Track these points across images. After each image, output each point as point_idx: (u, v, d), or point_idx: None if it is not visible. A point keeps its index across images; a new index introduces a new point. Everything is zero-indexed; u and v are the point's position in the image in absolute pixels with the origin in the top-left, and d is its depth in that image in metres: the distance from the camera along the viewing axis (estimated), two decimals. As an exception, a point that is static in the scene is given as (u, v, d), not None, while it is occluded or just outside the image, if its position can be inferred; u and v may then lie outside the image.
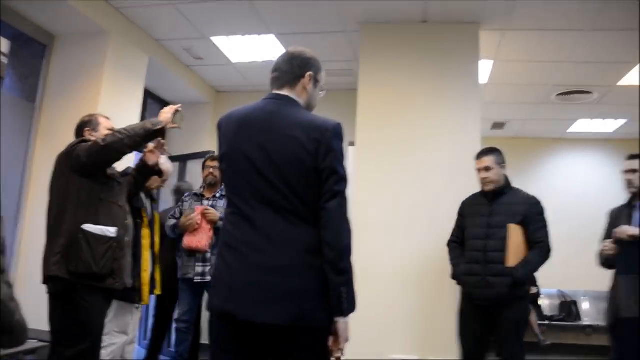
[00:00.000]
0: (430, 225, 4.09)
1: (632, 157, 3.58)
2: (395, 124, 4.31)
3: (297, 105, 2.03)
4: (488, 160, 3.63)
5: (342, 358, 1.93)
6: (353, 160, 4.35)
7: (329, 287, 1.84)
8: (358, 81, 4.47)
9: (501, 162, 3.65)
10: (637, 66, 5.47)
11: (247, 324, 1.84)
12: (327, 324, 1.86)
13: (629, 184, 3.46)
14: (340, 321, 1.86)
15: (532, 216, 3.50)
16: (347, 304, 1.85)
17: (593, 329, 7.61)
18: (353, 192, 4.21)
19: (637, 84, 5.94)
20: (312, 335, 1.86)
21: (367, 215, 4.13)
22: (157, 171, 3.46)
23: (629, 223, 3.37)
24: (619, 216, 3.50)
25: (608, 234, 3.55)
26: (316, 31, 5.00)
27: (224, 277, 1.92)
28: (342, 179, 1.93)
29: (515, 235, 3.46)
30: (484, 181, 3.64)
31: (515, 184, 8.35)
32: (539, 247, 3.43)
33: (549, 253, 3.50)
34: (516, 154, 8.44)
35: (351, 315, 1.86)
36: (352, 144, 4.53)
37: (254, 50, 5.51)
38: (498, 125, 7.78)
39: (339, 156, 1.94)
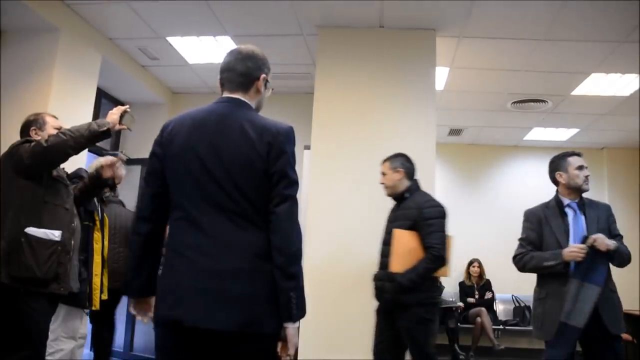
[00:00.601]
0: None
1: (578, 153, 3.57)
2: (351, 128, 4.30)
3: (249, 108, 2.00)
4: (383, 166, 3.65)
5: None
6: (309, 164, 4.33)
7: (278, 293, 1.81)
8: (314, 85, 4.45)
9: (397, 167, 3.61)
10: (590, 76, 5.60)
11: (193, 330, 1.79)
12: (276, 330, 1.83)
13: (587, 180, 3.44)
14: (290, 327, 1.83)
15: (421, 221, 3.45)
16: (296, 310, 1.82)
17: (546, 333, 7.72)
18: (309, 196, 4.19)
19: (590, 94, 6.09)
20: (261, 341, 1.83)
21: (322, 219, 4.11)
22: (111, 183, 3.40)
23: (565, 224, 3.35)
24: (549, 216, 3.46)
25: (539, 235, 3.44)
26: (273, 33, 4.96)
27: (170, 283, 1.87)
28: (293, 183, 1.90)
29: (401, 241, 3.43)
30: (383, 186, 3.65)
31: (471, 190, 8.54)
32: (428, 253, 3.41)
33: (440, 259, 3.41)
34: (473, 161, 8.58)
35: (307, 319, 1.83)
36: (308, 147, 4.51)
37: (210, 51, 5.44)
38: (455, 132, 7.87)
39: (291, 160, 1.92)
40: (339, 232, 4.12)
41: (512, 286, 8.04)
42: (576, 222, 3.35)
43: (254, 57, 2.06)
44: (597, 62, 5.27)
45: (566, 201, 3.44)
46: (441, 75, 5.65)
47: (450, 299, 7.64)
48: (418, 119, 4.29)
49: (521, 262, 3.38)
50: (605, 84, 5.82)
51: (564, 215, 3.39)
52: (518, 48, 5.01)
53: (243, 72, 2.03)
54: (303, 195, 4.29)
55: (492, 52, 5.16)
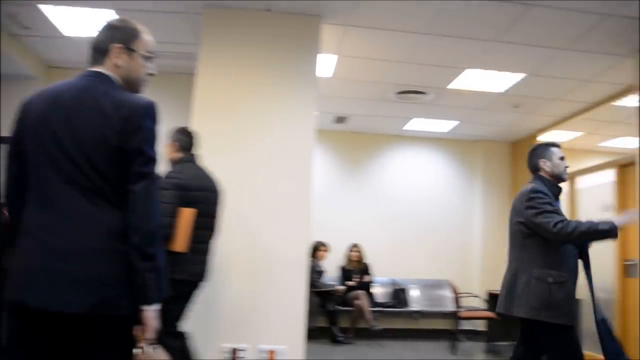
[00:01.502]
0: (263, 216, 4.09)
1: (558, 145, 3.66)
2: (233, 111, 4.24)
3: (109, 82, 1.91)
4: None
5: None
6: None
7: (134, 274, 1.75)
8: (197, 65, 4.33)
9: (171, 140, 3.65)
10: (465, 71, 5.89)
11: (41, 313, 1.70)
12: (131, 313, 1.77)
13: (566, 170, 3.57)
14: (146, 309, 1.78)
15: None
16: (153, 292, 1.77)
17: (421, 314, 8.14)
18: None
19: (466, 88, 6.41)
20: (114, 324, 1.77)
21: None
22: None
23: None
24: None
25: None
26: (158, 10, 4.76)
27: (18, 265, 1.76)
28: (151, 160, 1.84)
29: (182, 218, 3.43)
30: None
31: (355, 177, 8.74)
32: None
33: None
34: (357, 148, 8.78)
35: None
36: (188, 128, 4.41)
37: (91, 24, 5.11)
38: (340, 119, 8.00)
39: (149, 136, 1.85)
40: (224, 215, 4.07)
41: (390, 270, 8.38)
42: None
43: (111, 28, 1.97)
44: (473, 59, 5.55)
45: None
46: (330, 62, 5.71)
47: (331, 283, 7.82)
48: (299, 105, 4.30)
49: (570, 227, 3.22)
50: (480, 80, 6.15)
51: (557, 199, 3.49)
52: (401, 40, 5.16)
53: (96, 44, 1.95)
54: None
55: (377, 43, 5.27)
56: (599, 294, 6.42)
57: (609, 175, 6.56)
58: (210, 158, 4.09)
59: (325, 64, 5.68)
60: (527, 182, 3.59)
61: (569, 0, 4.25)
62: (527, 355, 3.54)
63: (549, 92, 6.48)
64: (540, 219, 3.29)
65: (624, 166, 6.30)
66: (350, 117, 7.91)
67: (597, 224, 3.21)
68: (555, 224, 3.24)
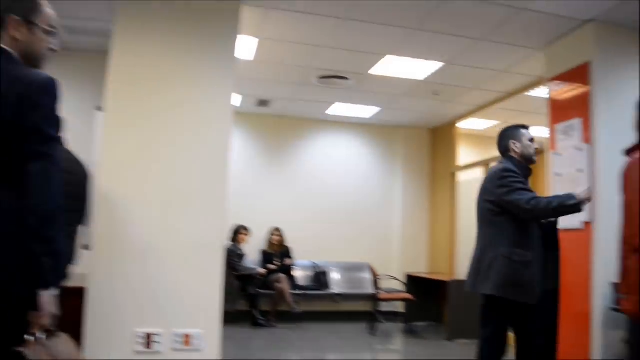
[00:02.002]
0: (178, 199, 4.02)
1: (527, 127, 3.71)
2: (149, 92, 4.10)
3: (8, 56, 1.79)
4: None
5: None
6: (102, 127, 4.07)
7: (30, 257, 1.67)
8: (112, 43, 4.16)
9: None
10: (385, 57, 5.96)
11: None
12: (25, 297, 1.69)
13: (536, 152, 3.61)
14: (43, 294, 1.71)
15: None
16: (50, 276, 1.71)
17: (341, 296, 8.26)
18: (101, 160, 3.95)
19: (387, 74, 6.50)
20: (5, 309, 1.68)
21: (116, 185, 3.91)
22: None
23: None
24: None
25: None
26: (70, -17, 4.53)
27: None
28: (48, 139, 1.76)
29: None
30: None
31: (277, 160, 8.72)
32: None
33: None
34: (280, 132, 8.75)
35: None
36: (100, 108, 4.24)
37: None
38: (263, 103, 7.94)
39: (47, 114, 1.77)
40: (131, 197, 3.95)
41: (312, 253, 8.46)
42: None
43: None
44: (394, 45, 5.62)
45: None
46: (250, 45, 5.63)
47: (252, 266, 7.81)
48: (217, 87, 4.21)
49: (543, 203, 3.31)
50: (401, 67, 6.24)
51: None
52: (322, 24, 5.13)
53: None
54: (95, 158, 4.03)
55: (298, 26, 5.23)
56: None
57: (521, 163, 6.81)
58: (124, 139, 3.97)
59: (246, 47, 5.61)
60: (497, 163, 3.65)
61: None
62: (519, 341, 3.60)
63: (466, 81, 6.66)
64: (514, 197, 3.36)
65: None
66: (273, 101, 7.86)
67: (565, 199, 3.29)
68: (529, 200, 3.32)
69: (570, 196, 3.27)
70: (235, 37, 4.31)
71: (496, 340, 3.47)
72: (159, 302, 3.92)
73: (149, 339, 3.91)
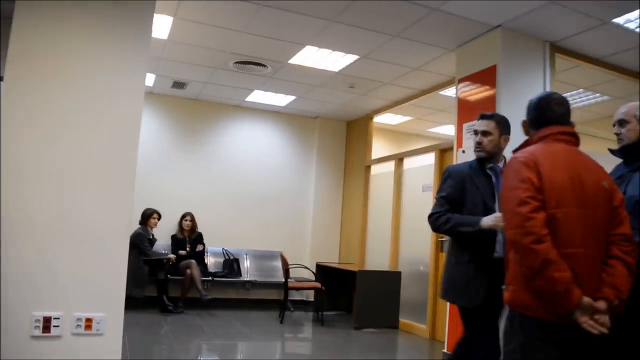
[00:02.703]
0: (83, 181, 3.88)
1: (483, 117, 3.36)
2: (55, 67, 3.91)
3: None
4: None
5: None
6: (3, 98, 3.85)
7: None
8: (15, 9, 3.93)
9: None
10: (305, 48, 6.00)
11: None
12: None
13: (478, 145, 3.30)
14: None
15: None
16: None
17: (252, 284, 8.28)
18: (4, 133, 3.76)
19: (305, 64, 6.54)
20: None
21: (14, 161, 3.72)
22: None
23: (490, 186, 3.25)
24: (474, 176, 3.29)
25: (461, 194, 3.27)
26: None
27: None
28: None
29: None
30: None
31: (192, 144, 8.59)
32: None
33: None
34: (195, 116, 8.62)
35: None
36: (0, 78, 4.01)
37: None
38: (179, 85, 7.77)
39: None
40: (27, 175, 3.78)
41: (224, 239, 8.41)
42: (498, 187, 3.17)
43: None
44: (312, 36, 5.65)
45: (488, 164, 3.32)
46: (164, 24, 5.50)
47: (162, 251, 7.68)
48: (128, 65, 4.04)
49: (437, 222, 3.26)
50: (319, 58, 6.30)
51: (488, 176, 3.29)
52: (240, 9, 5.08)
53: None
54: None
55: (216, 9, 5.14)
56: (418, 268, 7.10)
57: (430, 158, 7.08)
58: (24, 114, 3.79)
59: (160, 25, 5.48)
60: None
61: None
62: None
63: (381, 75, 6.81)
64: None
65: (444, 150, 6.84)
66: (190, 84, 7.71)
67: (463, 223, 3.16)
68: (431, 214, 3.32)
69: (473, 221, 3.11)
70: (151, 13, 4.19)
71: (474, 344, 3.26)
72: (58, 284, 3.78)
73: (47, 323, 3.77)
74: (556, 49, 5.42)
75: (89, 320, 3.84)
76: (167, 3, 4.94)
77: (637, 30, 4.98)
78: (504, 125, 3.32)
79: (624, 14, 4.71)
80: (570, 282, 2.03)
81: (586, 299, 2.06)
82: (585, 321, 2.05)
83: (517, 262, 2.19)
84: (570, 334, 2.10)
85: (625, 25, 4.91)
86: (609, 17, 4.79)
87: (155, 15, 4.22)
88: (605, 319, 2.08)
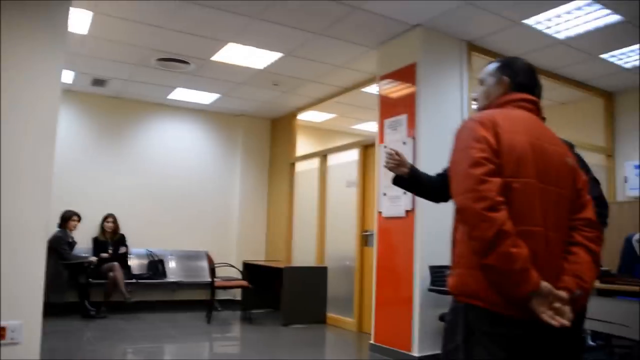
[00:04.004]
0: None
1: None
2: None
3: None
4: None
5: None
6: None
7: None
8: None
9: None
10: (228, 45, 5.95)
11: None
12: None
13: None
14: None
15: None
16: None
17: (178, 285, 8.14)
18: None
19: (228, 61, 6.49)
20: None
21: None
22: None
23: None
24: None
25: None
26: None
27: None
28: None
29: None
30: None
31: (114, 143, 8.34)
32: None
33: None
34: (117, 114, 8.39)
35: None
36: None
37: None
38: (99, 82, 7.53)
39: None
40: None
41: (148, 241, 8.23)
42: None
43: None
44: (235, 33, 5.63)
45: None
46: (85, 18, 5.32)
47: (84, 255, 7.42)
48: (44, 61, 3.91)
49: None
50: (242, 55, 6.27)
51: None
52: (162, 4, 5.00)
53: None
54: None
55: (137, 4, 5.02)
56: (344, 263, 7.21)
57: (354, 155, 7.20)
58: None
59: (79, 20, 5.30)
60: None
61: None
62: None
63: (305, 73, 6.87)
64: None
65: (366, 147, 6.98)
66: (111, 81, 7.49)
67: None
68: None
69: None
70: (67, 7, 4.04)
71: None
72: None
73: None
74: (473, 47, 5.65)
75: (2, 329, 3.68)
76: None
77: (545, 31, 5.27)
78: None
79: (533, 15, 4.97)
80: (527, 261, 1.70)
81: (545, 284, 1.72)
82: (544, 311, 1.70)
83: (465, 237, 1.84)
84: (525, 330, 1.77)
85: (535, 26, 5.18)
86: (520, 18, 5.05)
87: (73, 9, 4.08)
88: (566, 309, 1.73)
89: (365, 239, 6.78)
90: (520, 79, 2.07)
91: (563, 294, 1.75)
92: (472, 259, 1.79)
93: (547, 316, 1.70)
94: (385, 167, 2.58)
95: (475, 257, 1.77)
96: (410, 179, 2.56)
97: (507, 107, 2.01)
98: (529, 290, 1.70)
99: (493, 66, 2.15)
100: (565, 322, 1.70)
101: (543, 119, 2.08)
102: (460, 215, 1.84)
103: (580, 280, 1.82)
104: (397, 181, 2.59)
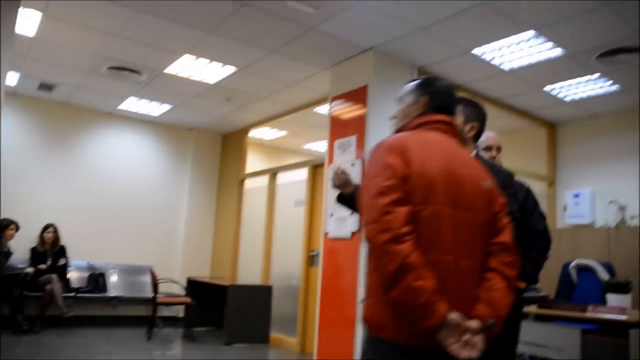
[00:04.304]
0: None
1: None
2: None
3: None
4: None
5: None
6: None
7: None
8: None
9: None
10: (183, 57, 5.91)
11: None
12: None
13: None
14: None
15: None
16: None
17: (119, 299, 7.92)
18: None
19: (181, 74, 6.44)
20: None
21: None
22: None
23: None
24: None
25: None
26: None
27: None
28: None
29: None
30: None
31: (59, 152, 8.11)
32: None
33: None
34: (64, 121, 8.19)
35: None
36: None
37: None
38: (46, 87, 7.33)
39: None
40: None
41: (88, 253, 8.01)
42: None
43: None
44: (189, 45, 5.59)
45: None
46: (33, 20, 5.17)
47: (19, 266, 7.14)
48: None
49: None
50: (196, 68, 6.23)
51: None
52: (115, 12, 4.93)
53: None
54: None
55: (90, 9, 4.93)
56: (290, 282, 7.17)
57: (303, 174, 7.21)
58: None
59: (27, 20, 5.16)
60: None
61: (282, 1, 4.51)
62: None
63: (258, 89, 6.88)
64: None
65: (316, 167, 7.00)
66: (59, 86, 7.30)
67: None
68: None
69: None
70: (17, 7, 3.94)
71: None
72: None
73: None
74: (423, 73, 5.78)
75: None
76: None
77: (492, 61, 5.44)
78: (470, 111, 2.70)
79: (481, 45, 5.13)
80: (432, 294, 1.64)
81: (454, 316, 1.66)
82: (452, 343, 1.65)
83: (374, 268, 1.79)
84: None
85: (483, 56, 5.35)
86: (469, 48, 5.20)
87: (21, 8, 3.97)
88: (476, 340, 1.69)
89: (311, 259, 6.77)
90: (438, 100, 2.00)
91: (474, 324, 1.70)
92: (380, 289, 1.73)
93: (455, 348, 1.65)
94: (332, 185, 2.57)
95: (382, 289, 1.71)
96: (354, 198, 2.51)
97: (422, 129, 1.95)
98: (435, 324, 1.64)
99: (411, 85, 2.09)
100: (472, 355, 1.66)
101: (462, 140, 2.08)
102: (368, 247, 1.78)
103: (493, 309, 1.77)
104: (341, 199, 2.58)
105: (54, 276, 7.12)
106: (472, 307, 1.75)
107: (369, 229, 1.70)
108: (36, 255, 7.43)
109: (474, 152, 2.70)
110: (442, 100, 2.00)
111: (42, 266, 7.28)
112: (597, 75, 5.66)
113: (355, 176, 5.19)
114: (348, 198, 2.56)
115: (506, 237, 1.91)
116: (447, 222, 1.76)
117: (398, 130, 2.04)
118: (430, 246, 1.72)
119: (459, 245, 1.78)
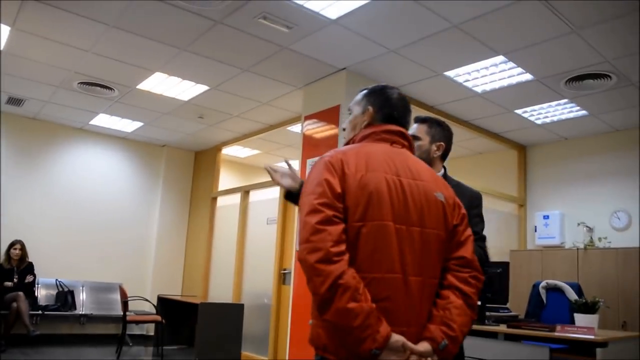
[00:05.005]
0: None
1: (416, 120, 2.79)
2: None
3: None
4: None
5: None
6: None
7: None
8: None
9: None
10: (154, 74, 5.88)
11: None
12: None
13: None
14: None
15: None
16: None
17: (88, 317, 7.80)
18: None
19: (154, 91, 6.41)
20: None
21: None
22: None
23: None
24: None
25: None
26: None
27: None
28: None
29: None
30: None
31: (28, 167, 8.00)
32: None
33: None
34: (34, 137, 8.08)
35: None
36: None
37: None
38: (15, 101, 7.22)
39: None
40: None
41: (57, 270, 7.87)
42: None
43: None
44: (162, 62, 5.58)
45: None
46: (2, 33, 5.11)
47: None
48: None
49: None
50: (168, 85, 6.21)
51: None
52: (87, 28, 4.90)
53: None
54: None
55: (60, 24, 4.87)
56: (262, 300, 7.11)
57: (275, 192, 7.19)
58: None
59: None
60: None
61: (256, 20, 4.53)
62: None
63: (230, 108, 6.88)
64: None
65: (289, 185, 6.96)
66: (28, 101, 7.19)
67: None
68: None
69: None
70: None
71: None
72: None
73: None
74: (396, 94, 5.82)
75: None
76: (4, 9, 4.60)
77: (464, 84, 5.52)
78: (437, 131, 2.71)
79: (454, 68, 5.21)
80: (371, 316, 1.54)
81: (396, 339, 1.56)
82: None
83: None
84: None
85: (455, 78, 5.42)
86: (441, 70, 5.27)
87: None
88: None
89: (283, 277, 6.74)
90: (386, 110, 1.91)
91: (421, 347, 1.61)
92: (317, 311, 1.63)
93: None
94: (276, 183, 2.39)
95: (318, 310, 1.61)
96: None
97: (368, 140, 1.86)
98: (373, 348, 1.53)
99: (360, 95, 2.00)
100: None
101: (429, 160, 1.96)
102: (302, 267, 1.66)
103: (448, 329, 1.66)
104: (288, 196, 2.38)
105: (21, 294, 6.98)
106: (425, 327, 1.67)
107: (301, 248, 1.62)
108: (2, 273, 7.27)
109: (441, 172, 2.67)
110: (390, 110, 1.91)
111: (8, 284, 7.13)
112: (565, 100, 5.77)
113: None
114: (294, 194, 2.31)
115: (466, 251, 1.80)
116: (393, 238, 1.65)
117: (347, 143, 1.95)
118: (373, 264, 1.62)
119: (407, 262, 1.67)
